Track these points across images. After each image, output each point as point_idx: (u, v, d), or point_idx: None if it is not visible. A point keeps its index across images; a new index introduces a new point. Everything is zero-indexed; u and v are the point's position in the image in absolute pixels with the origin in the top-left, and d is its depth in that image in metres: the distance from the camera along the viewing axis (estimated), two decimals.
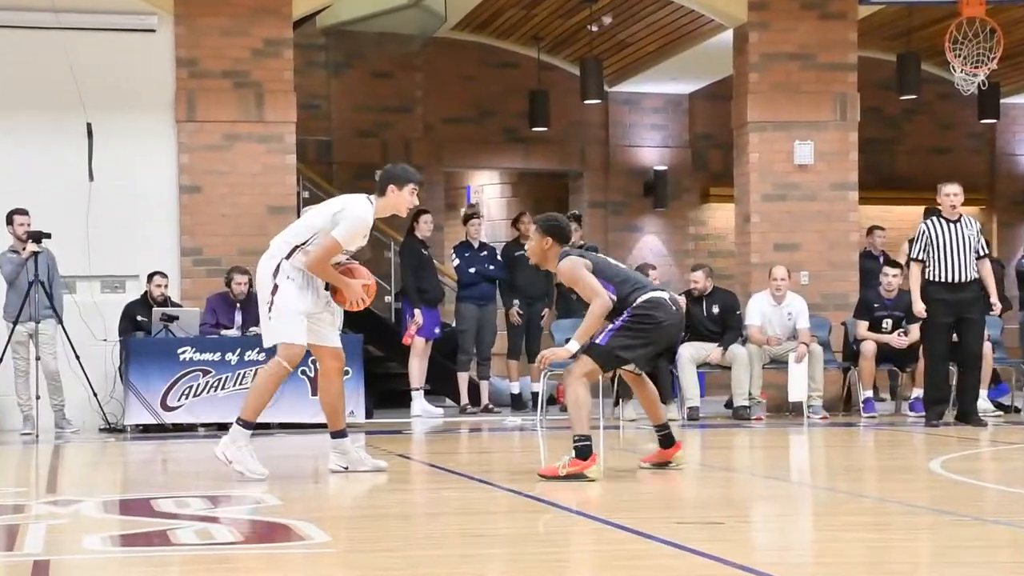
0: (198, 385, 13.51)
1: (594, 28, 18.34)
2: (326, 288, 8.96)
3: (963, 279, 13.03)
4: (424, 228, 15.47)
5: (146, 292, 14.24)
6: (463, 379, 15.71)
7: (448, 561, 5.96)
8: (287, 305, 8.78)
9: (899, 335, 14.67)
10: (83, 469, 11.05)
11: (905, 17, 17.94)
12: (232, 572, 5.84)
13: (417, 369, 15.26)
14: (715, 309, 14.70)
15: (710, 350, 14.53)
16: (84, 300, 14.26)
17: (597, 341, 8.72)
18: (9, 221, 13.69)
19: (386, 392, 16.18)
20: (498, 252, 16.19)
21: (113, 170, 14.60)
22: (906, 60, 18.23)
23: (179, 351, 13.52)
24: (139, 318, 14.02)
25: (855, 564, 5.85)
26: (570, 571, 5.85)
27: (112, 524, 7.21)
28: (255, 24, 14.86)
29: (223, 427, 11.90)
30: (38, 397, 13.29)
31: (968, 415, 13.17)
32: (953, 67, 15.50)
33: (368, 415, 14.11)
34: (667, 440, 9.18)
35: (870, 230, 16.95)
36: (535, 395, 15.26)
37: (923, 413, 13.59)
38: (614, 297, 8.73)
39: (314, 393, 12.43)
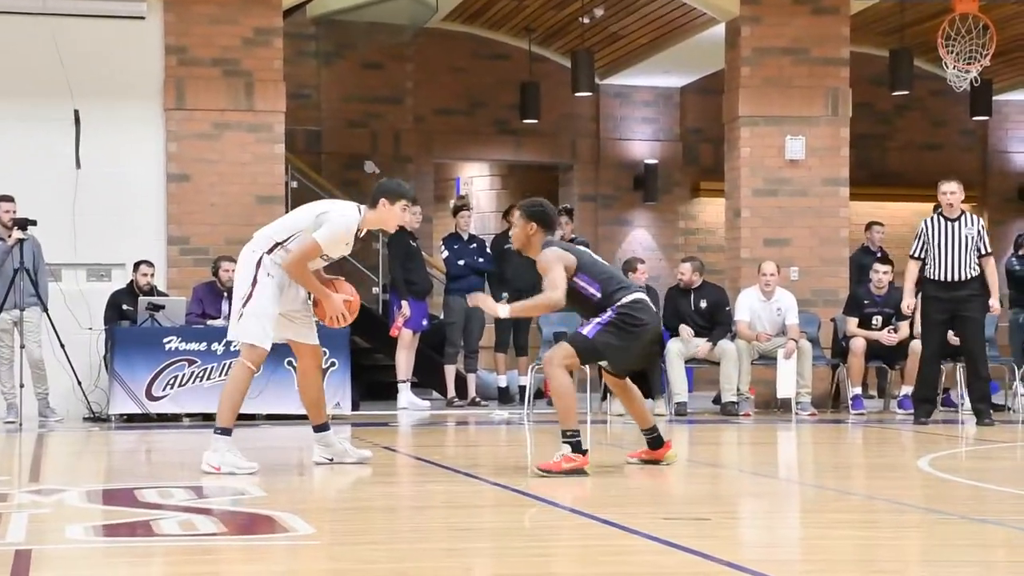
0: (183, 375, 13.44)
1: (586, 20, 18.28)
2: (308, 297, 8.88)
3: (959, 277, 12.99)
4: (412, 220, 15.41)
5: (132, 281, 14.17)
6: (450, 372, 15.67)
7: (433, 554, 5.92)
8: (262, 304, 8.65)
9: (889, 332, 14.66)
10: (67, 458, 10.98)
11: (898, 13, 17.92)
12: (215, 563, 5.80)
13: (404, 361, 15.21)
14: (703, 304, 14.65)
15: (698, 344, 14.49)
16: (70, 288, 14.18)
17: (584, 333, 8.67)
18: None
19: (373, 384, 16.14)
20: (487, 244, 16.14)
21: (100, 158, 14.54)
22: (899, 56, 18.20)
23: (165, 340, 13.44)
24: (125, 307, 13.95)
25: (842, 561, 5.83)
26: (556, 566, 5.81)
27: (95, 514, 7.17)
28: (245, 13, 14.80)
29: (208, 417, 11.88)
30: (22, 385, 13.24)
31: (979, 413, 13.04)
32: (946, 63, 15.49)
33: (354, 407, 14.06)
34: (656, 443, 9.13)
35: (869, 226, 16.93)
36: (522, 389, 15.22)
37: (911, 411, 13.57)
38: (597, 295, 8.68)
39: None
